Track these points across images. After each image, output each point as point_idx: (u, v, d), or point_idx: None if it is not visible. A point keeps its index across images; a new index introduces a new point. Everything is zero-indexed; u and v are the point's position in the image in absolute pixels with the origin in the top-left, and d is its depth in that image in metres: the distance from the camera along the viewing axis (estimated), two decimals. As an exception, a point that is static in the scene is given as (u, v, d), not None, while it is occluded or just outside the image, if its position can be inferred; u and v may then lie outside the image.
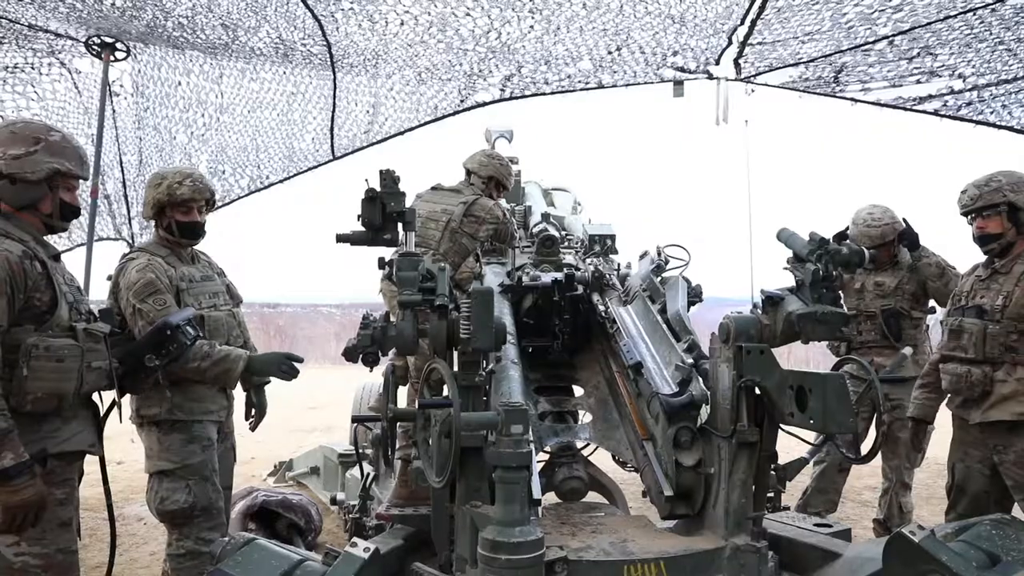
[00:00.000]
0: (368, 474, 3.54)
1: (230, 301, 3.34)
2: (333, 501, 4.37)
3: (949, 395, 3.28)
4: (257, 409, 3.48)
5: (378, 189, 2.53)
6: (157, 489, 3.05)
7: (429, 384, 2.34)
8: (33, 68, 5.27)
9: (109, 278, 3.15)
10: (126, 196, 6.21)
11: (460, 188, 3.96)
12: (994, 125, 4.36)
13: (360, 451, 3.40)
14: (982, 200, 3.08)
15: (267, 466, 6.62)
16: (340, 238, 2.58)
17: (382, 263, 2.66)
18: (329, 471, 5.29)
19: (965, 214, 3.17)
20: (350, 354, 2.37)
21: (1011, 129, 4.35)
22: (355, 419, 3.14)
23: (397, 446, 2.93)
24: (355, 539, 2.12)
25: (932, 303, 4.32)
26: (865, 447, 2.56)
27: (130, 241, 6.50)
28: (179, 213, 3.13)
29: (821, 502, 4.29)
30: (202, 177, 3.24)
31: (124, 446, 7.91)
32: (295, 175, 6.24)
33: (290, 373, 3.14)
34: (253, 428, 3.48)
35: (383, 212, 2.51)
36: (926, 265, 4.14)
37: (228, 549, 2.09)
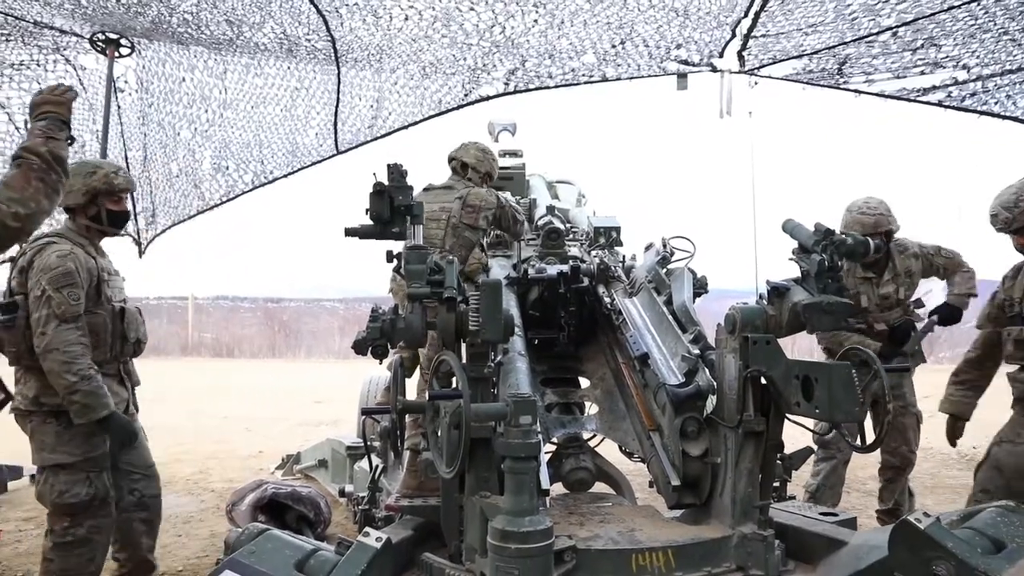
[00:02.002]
0: (377, 466, 3.58)
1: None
2: (342, 493, 4.40)
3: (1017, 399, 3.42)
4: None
5: (386, 183, 2.55)
6: (53, 483, 3.04)
7: (438, 376, 2.36)
8: (39, 65, 5.29)
9: (11, 259, 3.16)
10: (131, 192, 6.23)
11: (452, 184, 3.93)
12: (998, 115, 4.36)
13: (368, 443, 3.42)
14: (1016, 222, 3.28)
15: (274, 459, 6.67)
16: (349, 232, 2.61)
17: (390, 256, 2.68)
18: (337, 464, 5.33)
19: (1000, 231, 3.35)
20: (360, 346, 2.39)
21: (1015, 119, 4.35)
22: (365, 412, 3.17)
23: (407, 436, 2.96)
24: (367, 529, 2.14)
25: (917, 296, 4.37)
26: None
27: (135, 236, 6.53)
28: (111, 202, 3.23)
29: (830, 497, 4.31)
30: (128, 171, 3.47)
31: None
32: (299, 170, 6.24)
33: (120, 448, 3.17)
34: None
35: (391, 206, 2.53)
36: (926, 255, 4.24)
37: (242, 539, 2.12)
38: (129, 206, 3.39)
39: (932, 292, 4.44)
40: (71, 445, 3.03)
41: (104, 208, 3.21)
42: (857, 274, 4.18)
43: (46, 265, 2.98)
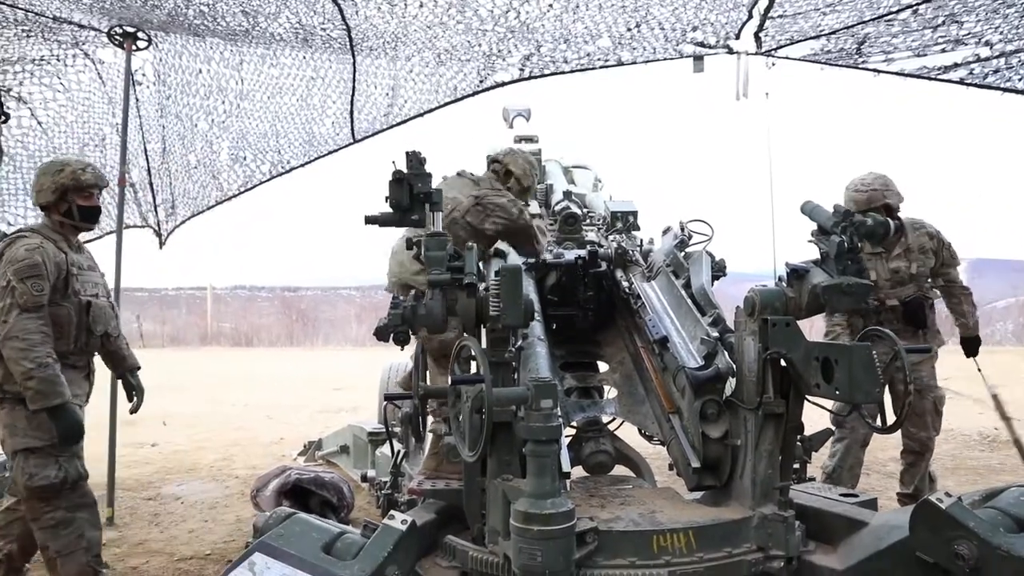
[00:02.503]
0: (398, 451, 3.61)
1: (107, 292, 3.53)
2: (364, 478, 4.46)
3: None
4: (137, 392, 3.72)
5: (405, 171, 2.57)
6: (24, 466, 3.11)
7: (459, 361, 2.39)
8: (59, 60, 5.35)
9: None
10: (151, 184, 6.30)
11: (481, 179, 3.65)
12: (1022, 92, 4.29)
13: (390, 429, 3.47)
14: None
15: (296, 446, 6.77)
16: (369, 220, 2.63)
17: (410, 244, 2.70)
18: (359, 449, 5.39)
19: None
20: (381, 333, 2.42)
21: (1039, 96, 4.28)
22: (387, 397, 3.20)
23: (430, 421, 2.99)
24: (392, 512, 2.18)
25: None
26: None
27: (156, 228, 6.61)
28: (81, 198, 3.34)
29: (849, 478, 4.31)
30: (98, 167, 3.53)
31: (156, 429, 8.13)
32: (316, 159, 6.28)
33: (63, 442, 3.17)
34: (133, 411, 3.71)
35: (411, 193, 2.55)
36: (942, 240, 4.28)
37: (270, 523, 2.16)
38: (99, 202, 3.47)
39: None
40: (40, 430, 3.11)
41: (75, 204, 3.33)
42: (866, 249, 4.17)
43: (14, 257, 3.11)
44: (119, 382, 3.85)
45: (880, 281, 4.18)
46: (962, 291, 4.38)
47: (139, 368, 3.77)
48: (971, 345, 4.43)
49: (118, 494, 4.92)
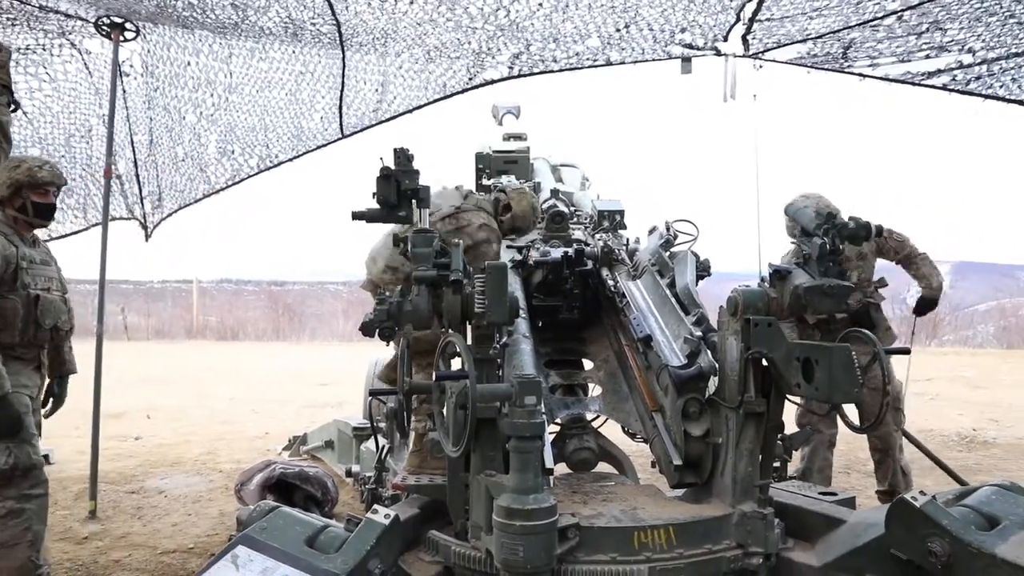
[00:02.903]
0: (383, 446, 3.63)
1: (62, 288, 3.53)
2: (348, 473, 4.47)
3: None
4: (56, 399, 3.68)
5: (392, 168, 2.58)
6: None
7: (444, 357, 2.40)
8: (44, 49, 5.30)
9: None
10: (138, 176, 6.26)
11: (469, 194, 3.50)
12: (1003, 99, 4.35)
13: (375, 424, 3.48)
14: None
15: (281, 441, 6.75)
16: (356, 215, 2.64)
17: (396, 240, 2.71)
18: (343, 444, 5.39)
19: None
20: (367, 328, 2.43)
21: (1020, 102, 4.35)
22: (372, 393, 3.21)
23: (414, 419, 3.01)
24: (376, 506, 2.19)
25: (880, 275, 4.47)
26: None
27: (142, 220, 6.57)
28: (36, 195, 3.38)
29: (819, 480, 4.37)
30: (56, 165, 3.55)
31: (140, 422, 8.09)
32: (304, 154, 6.26)
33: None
34: (47, 415, 3.65)
35: (398, 190, 2.56)
36: (889, 249, 4.36)
37: (254, 516, 2.17)
38: (55, 199, 3.49)
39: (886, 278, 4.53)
40: None
41: (29, 200, 3.36)
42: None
43: None
44: (100, 375, 3.84)
45: None
46: (919, 257, 4.42)
47: (74, 373, 3.75)
48: (925, 304, 4.48)
49: (101, 487, 4.90)
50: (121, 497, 5.18)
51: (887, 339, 4.33)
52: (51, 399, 3.68)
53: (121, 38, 5.14)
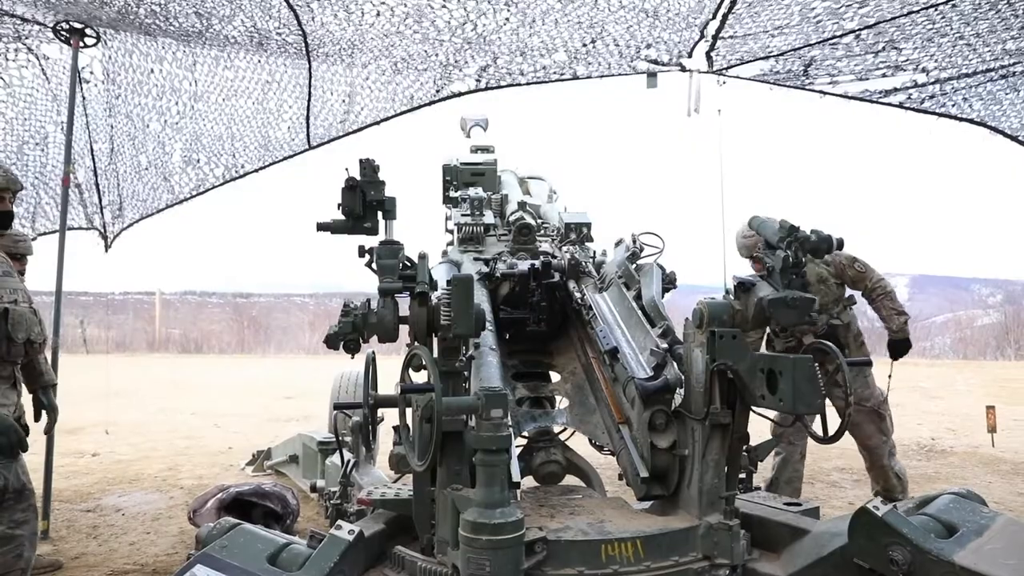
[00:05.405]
0: (348, 461, 3.57)
1: (28, 299, 3.38)
2: (313, 488, 4.38)
3: None
4: (49, 412, 3.56)
5: (358, 178, 2.55)
6: None
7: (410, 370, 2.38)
8: (-1, 54, 5.18)
9: None
10: (97, 185, 6.13)
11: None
12: (955, 117, 4.50)
13: (340, 438, 3.42)
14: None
15: (245, 455, 6.62)
16: (321, 227, 2.60)
17: (362, 251, 2.69)
18: (308, 459, 5.30)
19: None
20: (332, 341, 2.40)
21: (971, 121, 4.49)
22: (337, 406, 3.17)
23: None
24: (340, 522, 2.15)
25: (850, 293, 4.48)
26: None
27: (102, 230, 6.43)
28: None
29: (789, 492, 4.41)
30: (10, 169, 3.43)
31: (99, 438, 7.87)
32: (271, 164, 6.20)
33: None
34: (47, 430, 3.59)
35: (363, 201, 2.54)
36: (839, 263, 4.38)
37: (214, 533, 2.12)
38: (11, 206, 3.34)
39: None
40: None
41: None
42: None
43: None
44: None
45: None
46: (882, 294, 4.38)
47: (55, 384, 3.61)
48: (896, 348, 4.43)
49: (54, 506, 4.75)
50: (76, 516, 5.03)
51: (860, 355, 4.35)
52: (41, 410, 3.53)
53: (81, 44, 5.05)
